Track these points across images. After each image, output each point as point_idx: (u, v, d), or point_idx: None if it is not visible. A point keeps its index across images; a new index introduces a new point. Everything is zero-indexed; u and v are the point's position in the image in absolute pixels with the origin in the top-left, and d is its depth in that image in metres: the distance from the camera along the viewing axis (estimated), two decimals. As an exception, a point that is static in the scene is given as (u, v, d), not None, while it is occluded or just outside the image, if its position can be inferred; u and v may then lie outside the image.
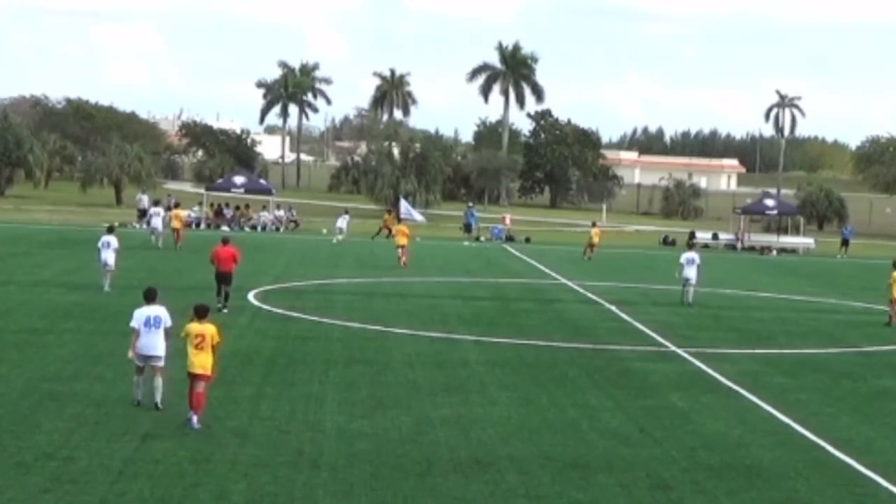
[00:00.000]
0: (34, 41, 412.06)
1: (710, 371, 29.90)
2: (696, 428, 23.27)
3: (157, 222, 63.55)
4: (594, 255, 65.80)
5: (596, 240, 67.25)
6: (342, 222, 70.63)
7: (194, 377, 21.46)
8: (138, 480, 17.48)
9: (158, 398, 22.41)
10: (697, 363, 31.07)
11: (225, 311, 36.09)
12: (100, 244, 41.36)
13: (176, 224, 61.52)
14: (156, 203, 69.81)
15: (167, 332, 22.71)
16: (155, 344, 22.62)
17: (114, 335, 30.91)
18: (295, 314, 36.87)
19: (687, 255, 46.05)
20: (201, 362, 21.51)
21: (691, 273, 45.22)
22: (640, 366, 30.46)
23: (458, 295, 45.23)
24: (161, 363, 22.65)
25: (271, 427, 21.32)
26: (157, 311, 22.87)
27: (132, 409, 22.07)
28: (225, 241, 39.25)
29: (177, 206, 67.56)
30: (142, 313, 22.77)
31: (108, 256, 41.08)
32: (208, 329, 21.78)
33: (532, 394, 25.74)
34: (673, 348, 33.57)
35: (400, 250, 56.48)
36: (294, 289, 43.88)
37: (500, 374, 27.96)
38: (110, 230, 42.90)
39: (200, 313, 22.05)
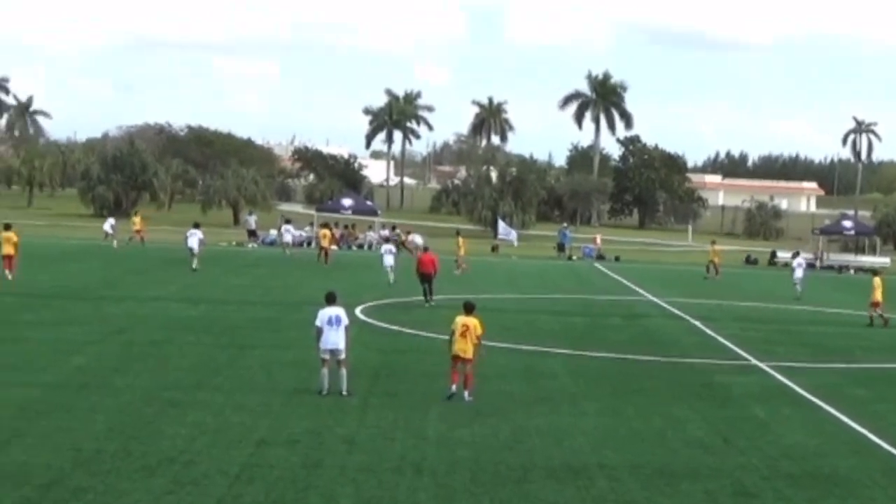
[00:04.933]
0: (160, 73, 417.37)
1: (789, 384, 29.56)
2: (776, 438, 23.01)
3: (288, 238, 68.96)
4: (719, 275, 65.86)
5: (714, 258, 66.89)
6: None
7: (459, 360, 24.74)
8: (254, 484, 17.61)
9: (344, 386, 24.60)
10: (778, 376, 30.74)
11: (428, 304, 43.48)
12: (382, 250, 52.83)
13: (324, 242, 63.40)
14: (287, 221, 71.74)
15: (347, 329, 24.93)
16: (337, 339, 24.67)
17: (231, 348, 31.28)
18: (399, 328, 37.00)
19: (797, 260, 57.27)
20: (464, 347, 24.66)
21: (799, 274, 55.00)
22: (723, 378, 30.19)
23: (550, 311, 45.17)
24: (343, 356, 24.80)
25: (377, 434, 21.38)
26: (338, 311, 24.99)
27: (250, 418, 22.22)
28: (426, 249, 47.06)
29: (324, 226, 69.53)
30: (325, 313, 24.88)
31: (389, 259, 50.69)
32: (471, 321, 25.00)
33: (620, 405, 25.62)
34: (754, 362, 33.23)
35: (458, 258, 60.66)
36: (398, 304, 44.01)
37: (589, 386, 27.86)
38: (392, 241, 52.67)
39: (468, 308, 25.51)
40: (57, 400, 23.23)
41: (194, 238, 56.61)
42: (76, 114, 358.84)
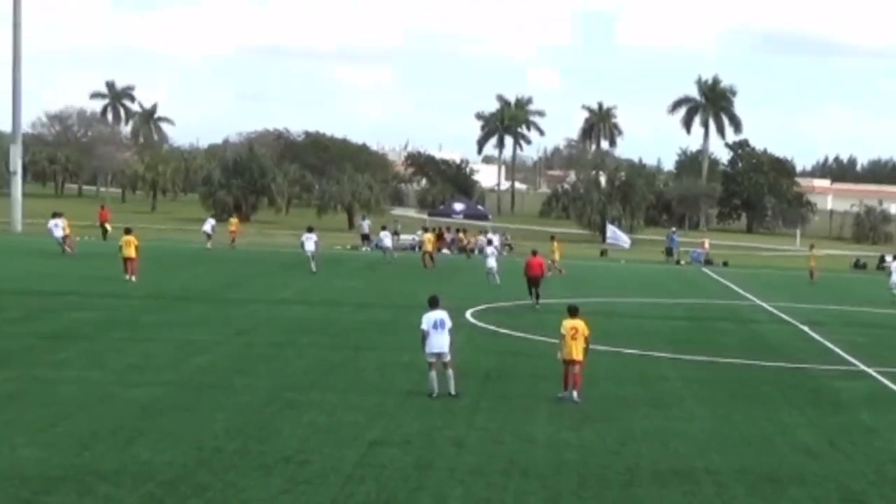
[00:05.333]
0: (280, 80, 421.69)
1: (898, 390, 29.10)
2: (885, 444, 22.62)
3: (387, 242, 69.28)
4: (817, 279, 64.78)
5: (812, 262, 65.91)
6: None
7: (571, 362, 24.96)
8: (366, 483, 17.73)
9: (452, 387, 24.73)
10: (886, 382, 30.18)
11: (538, 307, 43.68)
12: (487, 252, 55.37)
13: (428, 247, 64.03)
14: (383, 227, 72.45)
15: (451, 332, 24.98)
16: (443, 342, 24.73)
17: (346, 349, 31.54)
18: (509, 331, 37.00)
19: (894, 264, 56.73)
20: (576, 350, 24.91)
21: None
22: (831, 384, 29.76)
23: (659, 315, 44.89)
24: (449, 357, 24.87)
25: (486, 436, 21.40)
26: (442, 314, 24.99)
27: (363, 418, 22.36)
28: (534, 253, 46.59)
29: (425, 230, 70.36)
30: (430, 317, 24.89)
31: (492, 262, 53.16)
32: (579, 324, 25.19)
33: (728, 409, 25.37)
34: (862, 367, 32.68)
35: (552, 263, 59.78)
36: (508, 308, 44.03)
37: (697, 390, 27.64)
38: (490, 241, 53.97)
39: (573, 311, 25.58)
40: (179, 399, 23.61)
41: (310, 241, 57.40)
42: (198, 120, 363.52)
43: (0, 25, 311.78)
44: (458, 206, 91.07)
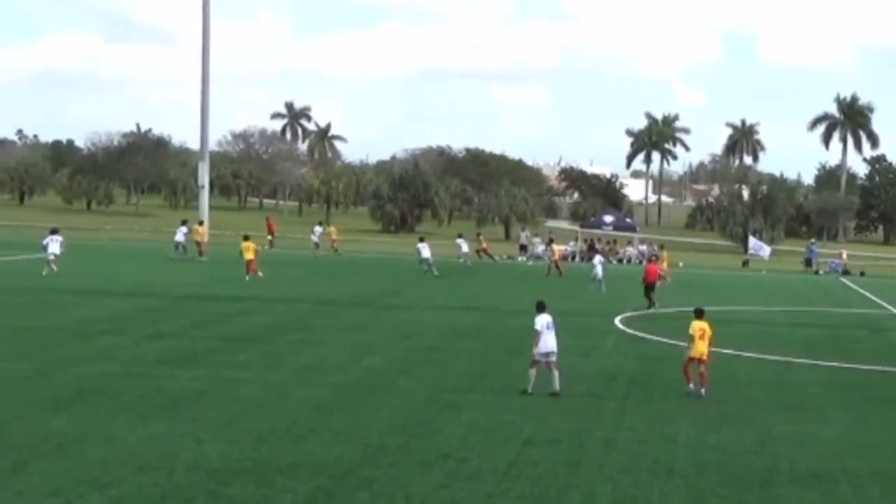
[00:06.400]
0: (442, 99, 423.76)
1: None
2: None
3: (465, 248, 71.56)
4: None
5: None
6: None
7: (699, 361, 25.34)
8: (520, 480, 17.70)
9: (556, 386, 24.58)
10: None
11: (652, 309, 44.47)
12: (595, 261, 55.73)
13: (555, 257, 64.34)
14: (459, 235, 75.27)
15: (557, 334, 25.08)
16: (553, 343, 24.88)
17: (501, 353, 31.53)
18: (654, 337, 36.65)
19: None
20: (703, 349, 25.31)
21: None
22: (966, 391, 28.87)
23: (796, 323, 44.04)
24: (555, 358, 24.87)
25: (632, 437, 21.20)
26: (549, 317, 25.18)
27: (517, 418, 22.30)
28: (650, 260, 49.66)
29: (551, 241, 70.75)
30: (541, 319, 25.14)
31: (599, 270, 53.85)
32: (705, 325, 25.60)
33: (864, 414, 24.76)
34: None
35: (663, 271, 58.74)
36: (653, 315, 43.65)
37: (834, 396, 27.02)
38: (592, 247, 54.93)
39: (699, 313, 25.95)
40: (347, 399, 23.85)
41: (426, 249, 59.63)
42: (368, 138, 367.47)
43: (190, 51, 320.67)
44: (608, 219, 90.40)
